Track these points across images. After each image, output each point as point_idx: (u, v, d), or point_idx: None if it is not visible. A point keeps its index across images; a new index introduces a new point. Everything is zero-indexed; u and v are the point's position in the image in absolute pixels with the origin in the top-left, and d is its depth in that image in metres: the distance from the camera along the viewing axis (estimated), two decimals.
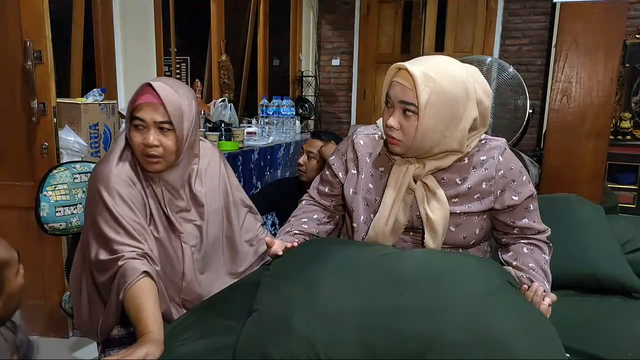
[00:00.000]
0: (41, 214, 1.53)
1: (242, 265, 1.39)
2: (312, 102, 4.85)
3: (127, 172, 1.23)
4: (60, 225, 1.58)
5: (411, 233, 1.19)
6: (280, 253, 1.14)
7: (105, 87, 2.55)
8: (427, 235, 1.13)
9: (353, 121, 5.13)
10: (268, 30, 4.45)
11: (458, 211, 1.14)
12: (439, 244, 1.13)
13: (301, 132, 4.08)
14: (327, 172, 1.33)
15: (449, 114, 1.06)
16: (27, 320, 1.00)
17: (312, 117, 4.82)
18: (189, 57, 5.09)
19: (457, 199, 1.15)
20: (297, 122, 3.86)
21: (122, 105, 2.68)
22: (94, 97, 2.40)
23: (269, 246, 1.16)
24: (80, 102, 2.30)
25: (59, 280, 2.09)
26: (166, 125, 1.18)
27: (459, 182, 1.15)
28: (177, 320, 1.13)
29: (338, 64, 5.07)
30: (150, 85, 1.18)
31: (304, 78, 4.90)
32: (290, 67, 4.87)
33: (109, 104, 2.44)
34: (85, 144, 2.28)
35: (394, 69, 1.10)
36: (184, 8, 3.95)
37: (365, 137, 1.26)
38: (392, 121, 1.09)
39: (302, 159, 2.20)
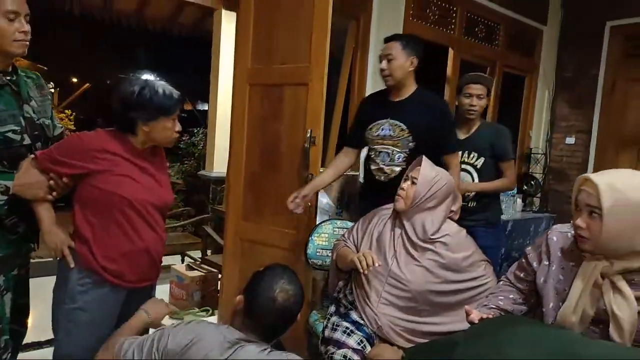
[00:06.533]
0: (308, 251, 2.19)
1: None
2: (540, 180, 4.78)
3: None
4: (319, 262, 2.20)
5: (600, 326, 1.28)
6: (476, 321, 1.39)
7: None
8: (611, 329, 1.22)
9: None
10: None
11: None
12: (626, 340, 1.20)
13: (523, 210, 4.09)
14: (523, 260, 1.53)
15: (637, 221, 1.18)
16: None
17: (538, 195, 4.74)
18: None
19: None
20: (519, 201, 3.91)
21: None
22: None
23: (468, 314, 1.43)
24: None
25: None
26: None
27: None
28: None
29: (573, 142, 4.89)
30: None
31: (532, 155, 4.89)
32: (517, 143, 4.95)
33: (356, 174, 3.08)
34: (333, 205, 2.93)
35: (582, 179, 1.29)
36: None
37: (558, 234, 1.43)
38: (580, 222, 1.27)
39: None
